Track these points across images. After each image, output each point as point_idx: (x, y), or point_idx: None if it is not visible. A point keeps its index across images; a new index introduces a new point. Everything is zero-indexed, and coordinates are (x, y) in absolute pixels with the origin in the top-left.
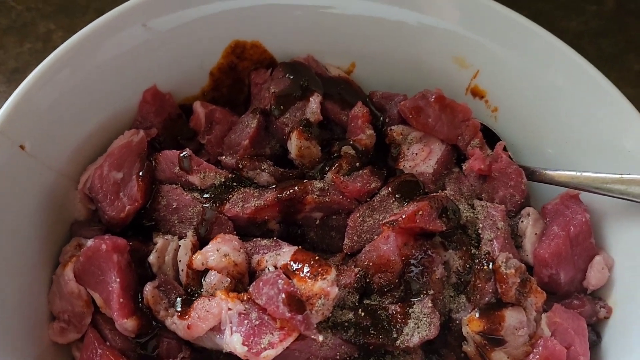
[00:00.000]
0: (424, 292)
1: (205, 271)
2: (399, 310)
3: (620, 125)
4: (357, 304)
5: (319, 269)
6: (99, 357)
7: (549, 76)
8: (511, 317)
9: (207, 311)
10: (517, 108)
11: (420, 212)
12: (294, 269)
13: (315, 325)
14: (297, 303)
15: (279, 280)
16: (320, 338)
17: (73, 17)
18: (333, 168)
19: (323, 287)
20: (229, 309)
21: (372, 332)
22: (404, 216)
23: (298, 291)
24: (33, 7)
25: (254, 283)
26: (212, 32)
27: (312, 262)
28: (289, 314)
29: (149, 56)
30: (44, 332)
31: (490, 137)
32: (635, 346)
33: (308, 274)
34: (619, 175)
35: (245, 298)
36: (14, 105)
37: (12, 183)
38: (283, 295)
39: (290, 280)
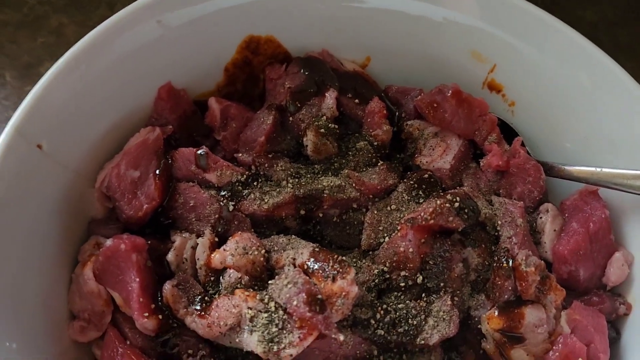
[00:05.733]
0: (443, 289)
1: (224, 269)
2: (418, 308)
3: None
4: (376, 302)
5: (339, 268)
6: (120, 357)
7: (568, 71)
8: (531, 315)
9: (227, 310)
10: (534, 102)
11: (439, 210)
12: (313, 267)
13: (335, 325)
14: (317, 302)
15: (299, 279)
16: (342, 337)
17: (85, 11)
18: (349, 164)
19: (343, 286)
20: (249, 308)
21: (392, 330)
22: (422, 214)
23: (318, 290)
24: (45, 1)
25: (272, 281)
26: (226, 27)
27: (331, 261)
28: (310, 314)
29: (164, 52)
30: (65, 331)
31: (507, 132)
32: None
33: (327, 273)
34: (639, 172)
35: (265, 297)
36: (30, 105)
37: (30, 182)
38: (304, 295)
39: (309, 279)
